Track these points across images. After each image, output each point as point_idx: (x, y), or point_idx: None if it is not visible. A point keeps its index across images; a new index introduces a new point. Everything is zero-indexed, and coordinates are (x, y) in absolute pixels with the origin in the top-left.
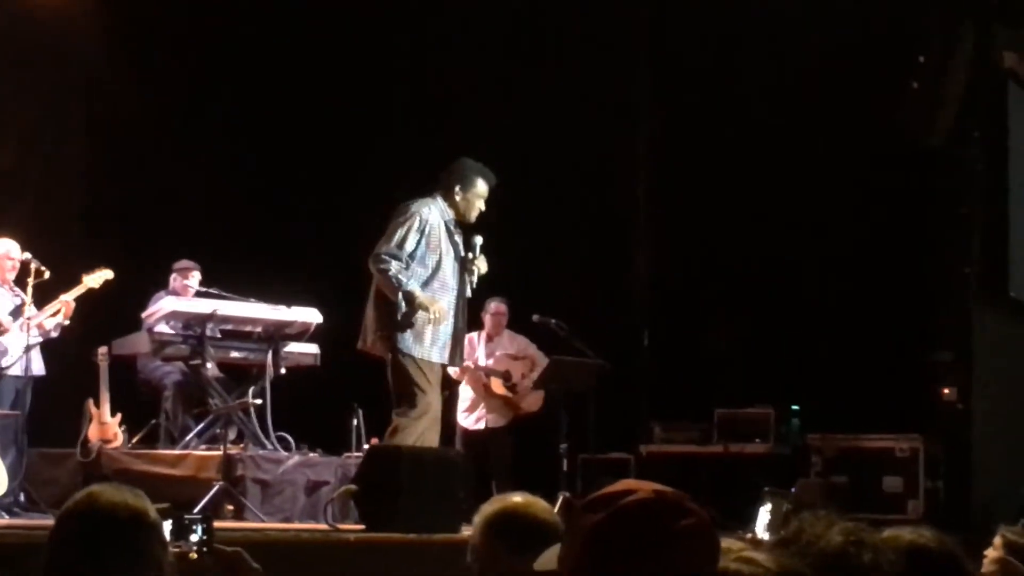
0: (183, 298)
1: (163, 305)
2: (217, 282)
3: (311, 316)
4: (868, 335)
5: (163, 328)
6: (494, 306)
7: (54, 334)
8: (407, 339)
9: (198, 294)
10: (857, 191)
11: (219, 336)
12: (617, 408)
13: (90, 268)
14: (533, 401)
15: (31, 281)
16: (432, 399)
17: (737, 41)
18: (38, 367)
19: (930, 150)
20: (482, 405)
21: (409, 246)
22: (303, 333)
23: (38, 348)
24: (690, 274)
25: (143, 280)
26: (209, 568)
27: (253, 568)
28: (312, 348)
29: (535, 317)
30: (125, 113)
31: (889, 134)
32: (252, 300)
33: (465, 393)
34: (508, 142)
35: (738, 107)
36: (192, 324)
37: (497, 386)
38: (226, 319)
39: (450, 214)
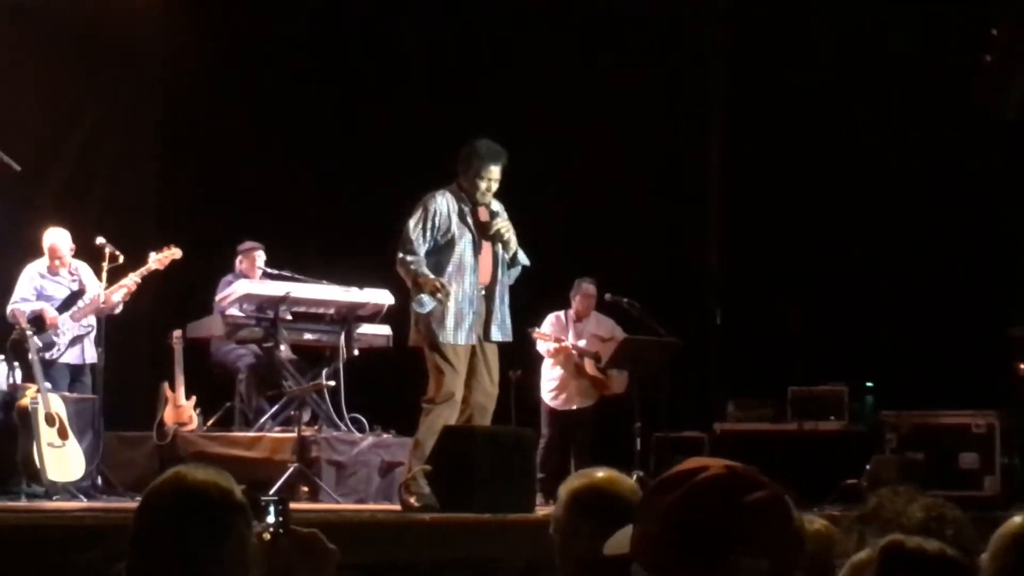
0: (255, 281)
1: (236, 288)
2: (289, 265)
3: (383, 298)
4: (943, 310)
5: (236, 311)
6: (584, 287)
7: (116, 311)
8: (431, 326)
9: (267, 275)
10: (932, 165)
11: (292, 318)
12: (691, 386)
13: (159, 248)
14: (620, 383)
15: (105, 265)
16: (455, 384)
17: (808, 19)
18: (91, 355)
19: (1005, 123)
20: (572, 385)
21: (418, 238)
22: (375, 315)
23: (91, 336)
24: (763, 251)
25: (217, 264)
26: (285, 549)
27: (329, 549)
28: (384, 330)
29: (608, 296)
30: (196, 97)
31: (964, 108)
32: (324, 282)
33: (552, 373)
34: (583, 124)
35: (810, 84)
36: (265, 307)
37: (590, 367)
38: (299, 301)
39: (465, 198)
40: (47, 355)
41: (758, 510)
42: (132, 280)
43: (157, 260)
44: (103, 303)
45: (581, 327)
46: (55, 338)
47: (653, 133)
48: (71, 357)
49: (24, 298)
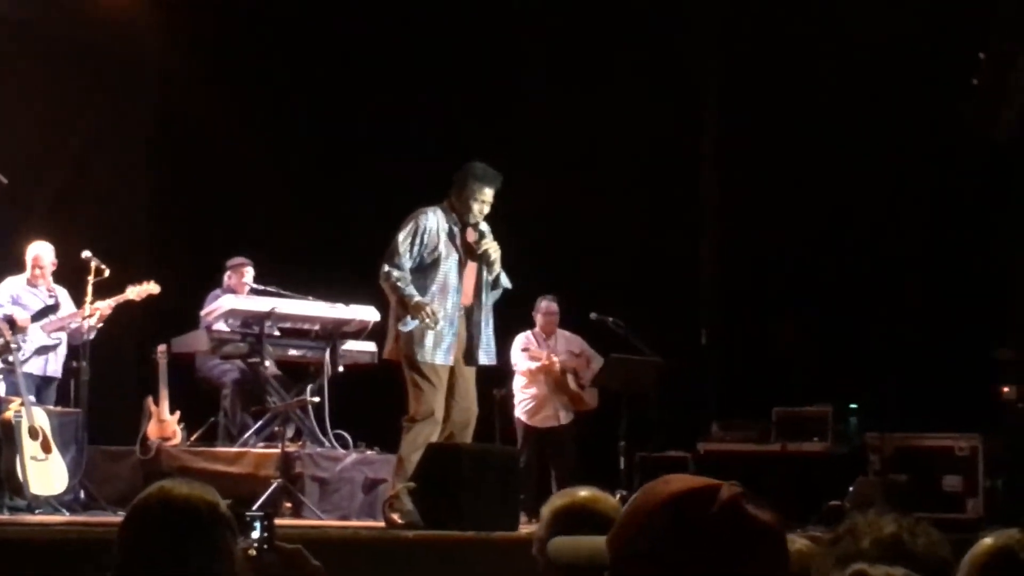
0: (241, 296)
1: (222, 303)
2: (276, 281)
3: (369, 314)
4: (928, 333)
5: (222, 326)
6: (545, 305)
7: (89, 336)
8: (410, 344)
9: (254, 291)
10: (922, 187)
11: (277, 334)
12: (675, 406)
13: (136, 279)
14: (592, 397)
15: (91, 279)
16: (435, 401)
17: (803, 37)
18: (53, 368)
19: (995, 145)
20: (552, 402)
21: (406, 253)
22: (361, 331)
23: (59, 351)
24: (750, 272)
25: (204, 279)
26: (270, 565)
27: (314, 565)
28: (370, 346)
29: (593, 315)
30: (186, 114)
31: (954, 129)
32: (310, 298)
33: (528, 391)
34: (573, 139)
35: (804, 104)
36: (251, 322)
37: (572, 382)
38: (284, 317)
39: (454, 218)
40: (9, 358)
41: (765, 533)
42: (106, 305)
43: (136, 293)
44: (73, 327)
45: (552, 344)
46: (21, 343)
47: (645, 151)
48: (34, 367)
49: None
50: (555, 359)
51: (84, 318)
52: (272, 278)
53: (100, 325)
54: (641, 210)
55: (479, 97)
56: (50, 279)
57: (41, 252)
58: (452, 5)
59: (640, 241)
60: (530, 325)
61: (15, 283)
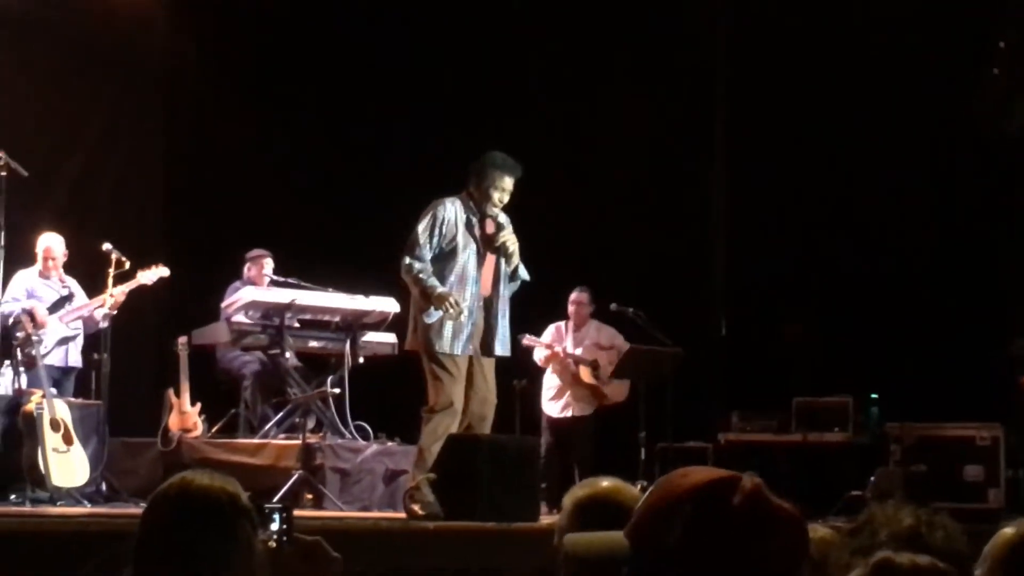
0: (261, 288)
1: (242, 295)
2: (296, 273)
3: (389, 305)
4: (948, 322)
5: (242, 318)
6: (574, 296)
7: (103, 324)
8: (429, 335)
9: (273, 282)
10: (936, 178)
11: (298, 325)
12: (695, 397)
13: (147, 264)
14: (619, 391)
15: (112, 271)
16: (454, 392)
17: (814, 30)
18: (75, 359)
19: (1008, 138)
20: (568, 393)
21: (426, 244)
22: (381, 322)
23: (78, 340)
24: (769, 262)
25: (223, 271)
26: (289, 557)
27: (333, 557)
28: (390, 337)
29: (613, 306)
30: (201, 106)
31: (967, 121)
32: (330, 290)
33: (551, 381)
34: (586, 131)
35: (815, 95)
36: (271, 314)
37: (586, 375)
38: (304, 309)
39: (473, 208)
40: (31, 351)
41: (789, 523)
42: (120, 291)
43: (147, 277)
44: (87, 315)
45: (580, 336)
46: (42, 336)
47: (659, 144)
48: (54, 359)
49: (15, 298)
50: (557, 349)
51: (99, 306)
52: (292, 270)
53: (114, 312)
54: (661, 202)
55: (501, 90)
56: (61, 270)
57: (52, 243)
58: (454, 5)
59: (661, 232)
60: (554, 319)
61: (28, 276)
